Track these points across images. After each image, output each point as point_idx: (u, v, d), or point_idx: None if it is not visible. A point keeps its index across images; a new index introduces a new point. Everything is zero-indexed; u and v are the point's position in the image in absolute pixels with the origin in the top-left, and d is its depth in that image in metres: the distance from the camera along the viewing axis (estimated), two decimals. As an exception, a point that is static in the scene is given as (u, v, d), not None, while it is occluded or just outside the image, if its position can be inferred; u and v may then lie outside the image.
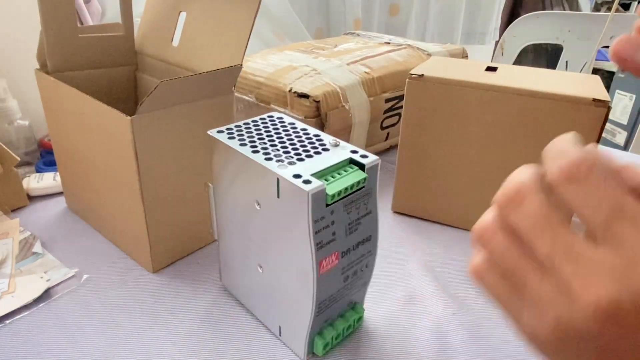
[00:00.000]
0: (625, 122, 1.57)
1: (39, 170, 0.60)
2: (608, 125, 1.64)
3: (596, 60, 2.09)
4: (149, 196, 0.41)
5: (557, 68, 1.68)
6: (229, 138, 0.34)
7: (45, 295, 0.41)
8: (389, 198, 0.57)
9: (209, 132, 0.35)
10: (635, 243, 0.17)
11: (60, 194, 0.56)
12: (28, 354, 0.35)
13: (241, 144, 0.33)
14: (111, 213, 0.46)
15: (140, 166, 0.39)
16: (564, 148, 0.19)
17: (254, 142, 0.34)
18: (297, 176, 0.29)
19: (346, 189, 0.30)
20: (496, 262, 0.21)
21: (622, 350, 0.17)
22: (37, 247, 0.46)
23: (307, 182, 0.29)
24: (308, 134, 0.35)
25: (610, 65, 2.10)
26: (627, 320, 0.16)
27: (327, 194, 0.29)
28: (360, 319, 0.38)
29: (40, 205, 0.54)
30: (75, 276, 0.43)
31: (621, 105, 1.59)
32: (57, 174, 0.57)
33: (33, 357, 0.35)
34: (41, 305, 0.40)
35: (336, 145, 0.34)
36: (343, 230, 0.32)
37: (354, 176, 0.31)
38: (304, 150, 0.33)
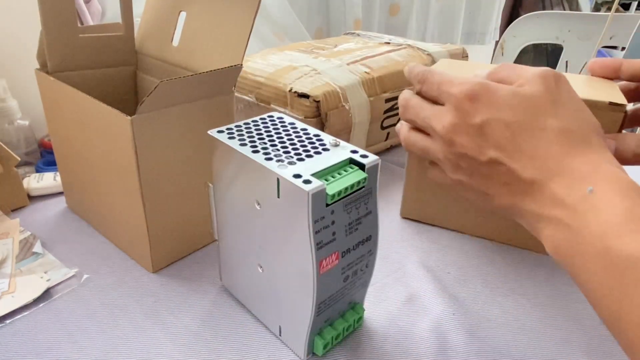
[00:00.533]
0: (625, 122, 1.57)
1: (39, 170, 0.60)
2: (608, 125, 1.64)
3: (596, 60, 2.08)
4: (149, 196, 0.41)
5: (557, 68, 1.68)
6: (229, 138, 0.34)
7: (45, 295, 0.41)
8: (391, 199, 0.57)
9: (209, 132, 0.35)
10: (450, 96, 0.33)
11: (60, 194, 0.56)
12: (28, 354, 0.35)
13: (241, 144, 0.33)
14: (111, 213, 0.46)
15: (140, 166, 0.39)
16: (415, 70, 0.37)
17: (254, 142, 0.34)
18: (297, 176, 0.29)
19: (346, 188, 0.30)
20: (415, 149, 0.38)
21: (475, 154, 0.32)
22: (37, 247, 0.46)
23: (307, 182, 0.29)
24: (308, 134, 0.35)
25: (610, 65, 2.09)
26: (461, 135, 0.32)
27: (327, 194, 0.29)
28: (360, 319, 0.38)
29: (40, 205, 0.54)
30: (75, 276, 0.43)
31: (621, 105, 1.59)
32: (57, 174, 0.57)
33: (33, 357, 0.35)
34: (41, 305, 0.40)
35: (336, 145, 0.34)
36: (343, 230, 0.32)
37: (354, 176, 0.31)
38: (304, 150, 0.33)
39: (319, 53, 0.70)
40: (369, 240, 0.35)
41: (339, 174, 0.31)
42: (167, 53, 0.50)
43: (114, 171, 0.42)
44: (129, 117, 0.37)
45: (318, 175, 0.30)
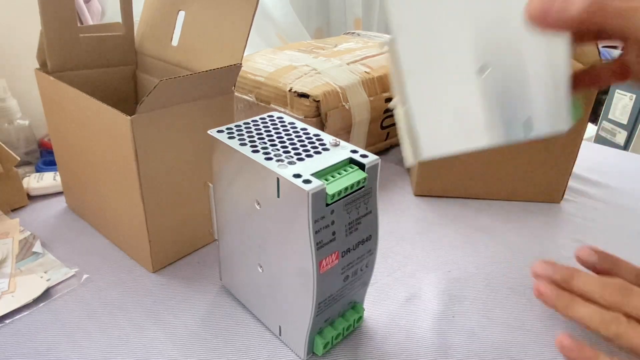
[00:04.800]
0: (625, 122, 1.57)
1: (39, 170, 0.60)
2: (608, 125, 1.64)
3: (596, 60, 2.08)
4: (149, 196, 0.41)
5: (557, 68, 1.67)
6: (229, 138, 0.34)
7: (45, 295, 0.41)
8: (391, 198, 0.57)
9: (209, 131, 0.35)
10: None
11: (60, 193, 0.56)
12: (28, 354, 0.35)
13: (241, 144, 0.33)
14: (111, 213, 0.46)
15: (140, 166, 0.39)
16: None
17: (254, 141, 0.34)
18: (297, 176, 0.29)
19: (346, 188, 0.30)
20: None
21: None
22: (37, 247, 0.46)
23: (307, 181, 0.29)
24: (308, 133, 0.35)
25: (611, 65, 2.09)
26: None
27: (327, 194, 0.29)
28: (360, 318, 0.38)
29: (40, 205, 0.54)
30: (75, 276, 0.43)
31: (621, 105, 1.59)
32: (57, 173, 0.57)
33: (33, 357, 0.35)
34: (41, 305, 0.40)
35: (336, 145, 0.34)
36: (343, 230, 0.32)
37: (354, 176, 0.31)
38: (304, 150, 0.33)
39: (319, 53, 0.69)
40: (369, 240, 0.35)
41: (339, 173, 0.31)
42: (167, 53, 0.50)
43: (114, 171, 0.42)
44: (128, 117, 0.37)
45: (318, 175, 0.30)
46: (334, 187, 0.30)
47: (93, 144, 0.43)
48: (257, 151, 0.32)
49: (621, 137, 1.58)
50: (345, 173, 0.31)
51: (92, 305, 0.40)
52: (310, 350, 0.36)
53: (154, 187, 0.41)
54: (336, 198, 0.30)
